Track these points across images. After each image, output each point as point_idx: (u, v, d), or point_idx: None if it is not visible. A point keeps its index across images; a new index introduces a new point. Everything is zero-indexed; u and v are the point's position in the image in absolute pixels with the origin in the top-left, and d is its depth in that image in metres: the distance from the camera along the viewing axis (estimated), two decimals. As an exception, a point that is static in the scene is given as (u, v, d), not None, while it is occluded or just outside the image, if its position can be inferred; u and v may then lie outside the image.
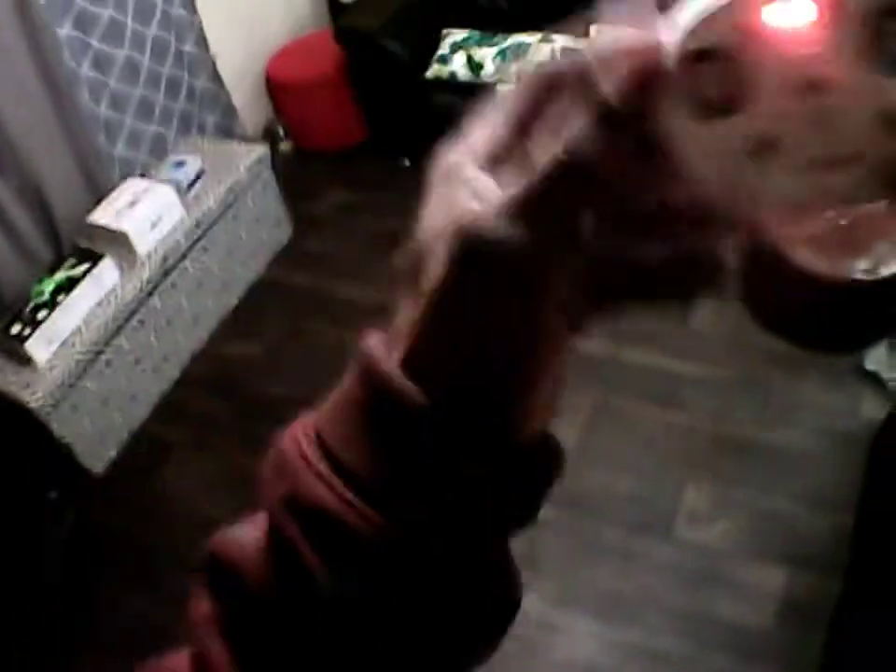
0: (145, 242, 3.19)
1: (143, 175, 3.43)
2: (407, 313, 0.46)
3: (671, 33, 0.37)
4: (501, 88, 3.76)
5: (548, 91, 0.43)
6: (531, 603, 2.59)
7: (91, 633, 2.75)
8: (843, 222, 2.94)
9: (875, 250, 2.90)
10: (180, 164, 3.44)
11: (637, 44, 0.37)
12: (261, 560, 0.48)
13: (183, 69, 3.70)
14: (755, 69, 0.37)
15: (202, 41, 3.76)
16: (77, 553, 2.90)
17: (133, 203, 3.20)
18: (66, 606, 2.81)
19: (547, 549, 2.70)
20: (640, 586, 2.60)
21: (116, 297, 3.09)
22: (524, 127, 0.44)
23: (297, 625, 0.47)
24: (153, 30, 3.50)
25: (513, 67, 3.73)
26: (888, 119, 0.37)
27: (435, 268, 0.43)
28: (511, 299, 0.43)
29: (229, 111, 4.02)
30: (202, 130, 3.90)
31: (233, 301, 3.70)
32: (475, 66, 3.78)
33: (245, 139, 3.98)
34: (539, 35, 3.79)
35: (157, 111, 3.62)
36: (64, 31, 3.15)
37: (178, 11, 3.61)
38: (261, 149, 3.70)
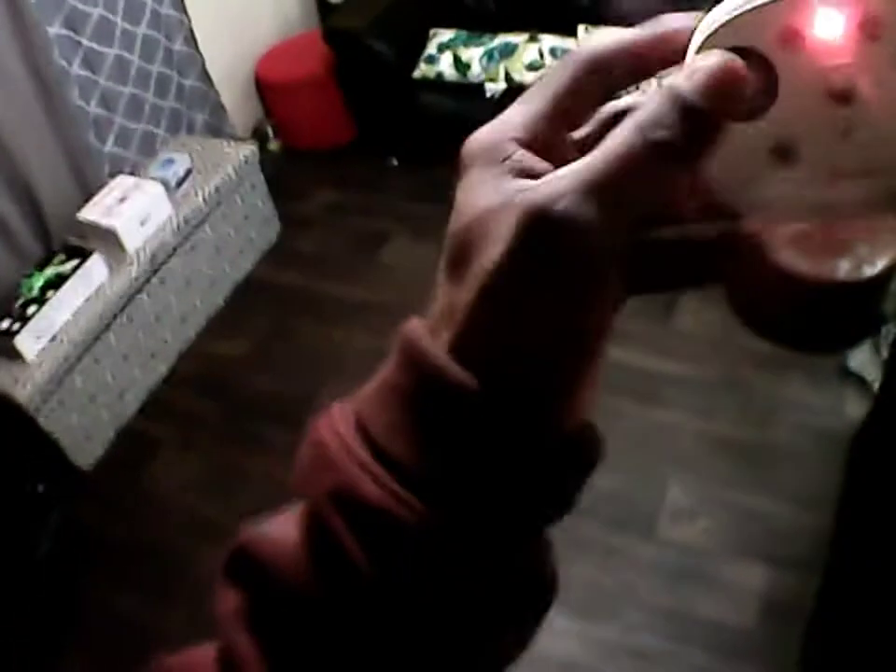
0: (133, 239, 3.21)
1: (132, 173, 3.44)
2: (452, 298, 0.44)
3: (706, 27, 0.39)
4: (489, 86, 3.79)
5: (589, 73, 0.44)
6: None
7: (78, 630, 2.75)
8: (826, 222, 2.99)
9: (858, 250, 2.94)
10: (169, 162, 3.46)
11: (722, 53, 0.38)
12: (300, 555, 0.46)
13: (172, 68, 3.71)
14: (786, 74, 0.38)
15: (191, 40, 3.78)
16: (65, 550, 2.91)
17: (122, 201, 3.22)
18: (53, 603, 2.81)
19: (528, 545, 2.74)
20: (621, 583, 2.62)
21: (104, 293, 3.10)
22: (564, 107, 0.44)
23: (338, 619, 0.45)
24: (143, 29, 3.52)
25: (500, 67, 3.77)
26: None
27: (491, 249, 0.41)
28: (573, 283, 0.41)
29: (218, 110, 4.04)
30: (191, 129, 3.92)
31: (221, 300, 3.72)
32: (462, 66, 3.81)
33: (234, 138, 4.00)
34: (526, 35, 3.83)
35: (146, 110, 3.64)
36: (54, 29, 3.16)
37: (168, 11, 3.62)
38: (250, 148, 3.72)
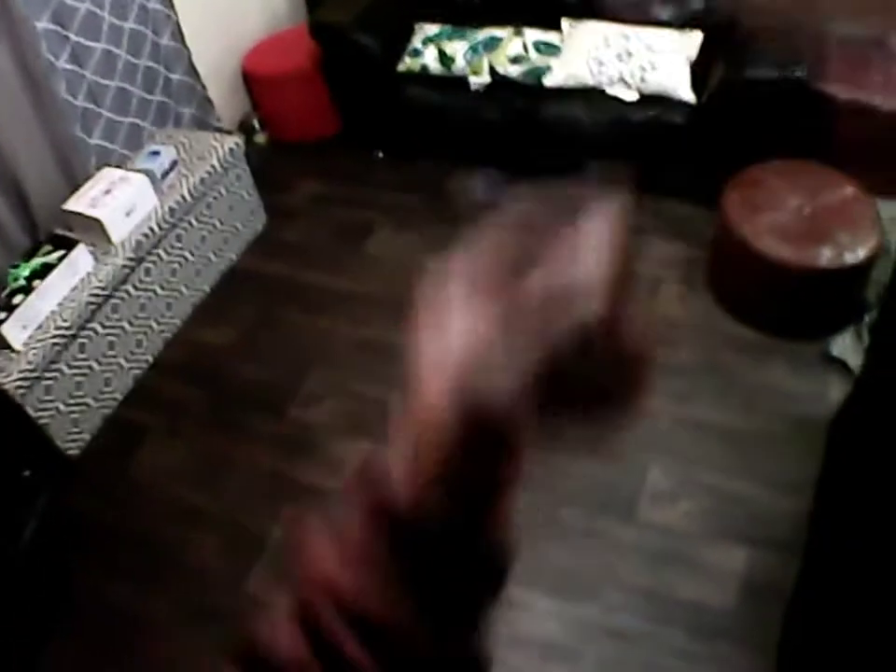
0: (119, 229, 3.25)
1: (118, 166, 3.47)
2: (406, 449, 0.58)
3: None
4: (473, 80, 3.83)
5: (519, 234, 0.57)
6: (492, 580, 2.65)
7: (66, 615, 2.78)
8: (808, 211, 3.02)
9: (840, 239, 2.98)
10: (155, 154, 3.50)
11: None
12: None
13: (160, 62, 3.76)
14: None
15: (178, 35, 3.82)
16: (52, 536, 2.92)
17: (107, 192, 3.26)
18: (41, 589, 2.84)
19: (511, 529, 2.76)
20: (601, 565, 2.65)
21: (90, 283, 3.14)
22: (500, 266, 0.56)
23: None
24: (130, 24, 3.56)
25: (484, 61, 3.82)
26: None
27: (434, 416, 0.54)
28: (499, 447, 0.55)
29: (205, 104, 4.08)
30: (178, 122, 3.96)
31: (207, 289, 3.76)
32: (447, 60, 3.85)
33: (220, 131, 4.04)
34: (511, 29, 3.87)
35: (133, 103, 3.68)
36: (42, 24, 3.20)
37: (155, 5, 3.67)
38: (235, 140, 3.76)
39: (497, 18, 3.95)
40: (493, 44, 3.82)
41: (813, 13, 3.57)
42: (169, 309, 3.54)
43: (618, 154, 3.70)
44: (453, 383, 0.53)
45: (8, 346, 2.94)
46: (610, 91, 3.63)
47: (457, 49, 3.86)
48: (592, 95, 3.66)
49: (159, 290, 3.46)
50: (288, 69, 4.22)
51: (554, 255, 0.56)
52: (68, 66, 3.34)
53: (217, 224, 3.73)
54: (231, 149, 3.69)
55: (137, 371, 3.44)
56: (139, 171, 3.39)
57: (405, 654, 0.57)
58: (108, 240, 3.23)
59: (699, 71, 3.58)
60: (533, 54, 3.76)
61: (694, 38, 3.64)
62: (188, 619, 2.71)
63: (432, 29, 3.98)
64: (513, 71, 3.77)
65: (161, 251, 3.42)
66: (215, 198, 3.66)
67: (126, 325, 3.32)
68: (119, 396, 3.37)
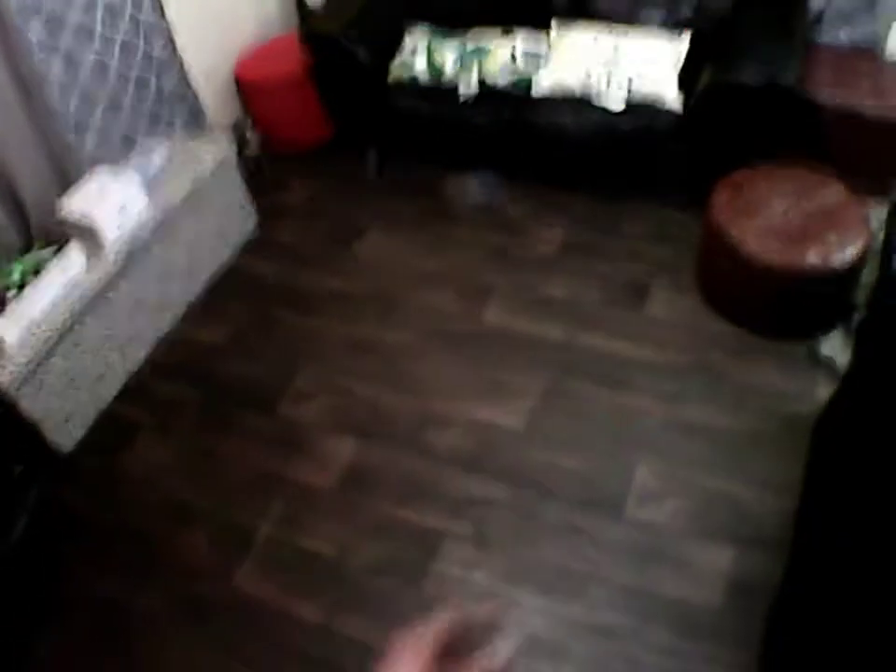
0: (111, 229, 3.28)
1: (110, 168, 3.50)
2: None
3: None
4: (462, 90, 3.88)
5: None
6: (478, 577, 2.68)
7: (56, 609, 2.80)
8: (796, 214, 3.05)
9: (828, 240, 3.01)
10: (147, 157, 3.54)
11: None
12: None
13: (151, 72, 3.81)
14: None
15: (170, 44, 3.87)
16: (44, 531, 2.96)
17: (100, 193, 3.29)
18: (32, 583, 2.86)
19: (496, 526, 2.79)
20: (588, 563, 2.67)
21: (82, 281, 3.17)
22: None
23: None
24: (121, 34, 3.62)
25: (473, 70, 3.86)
26: None
27: None
28: None
29: (196, 111, 4.13)
30: (169, 129, 4.01)
31: (200, 289, 3.79)
32: (436, 70, 3.89)
33: (211, 137, 4.04)
34: (499, 32, 3.91)
35: (125, 111, 3.73)
36: (35, 34, 3.25)
37: (147, 17, 3.72)
38: (226, 145, 3.81)
39: (487, 19, 4.00)
40: (481, 54, 3.86)
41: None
42: (161, 308, 3.58)
43: (606, 160, 3.74)
44: None
45: (2, 343, 2.95)
46: (597, 102, 3.65)
47: (446, 59, 3.89)
48: (579, 104, 3.68)
49: (151, 289, 3.49)
50: (280, 76, 4.26)
51: None
52: (61, 76, 3.40)
53: (209, 226, 3.77)
54: (222, 153, 3.73)
55: (130, 369, 3.48)
56: (131, 173, 3.43)
57: None
58: (100, 240, 3.26)
59: (687, 76, 3.61)
60: (521, 64, 3.80)
61: (682, 44, 3.67)
62: (178, 613, 2.73)
63: (422, 37, 4.01)
64: (502, 80, 3.81)
65: (152, 251, 3.46)
66: (206, 201, 3.71)
67: (118, 322, 3.35)
68: (110, 393, 3.40)
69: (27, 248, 3.19)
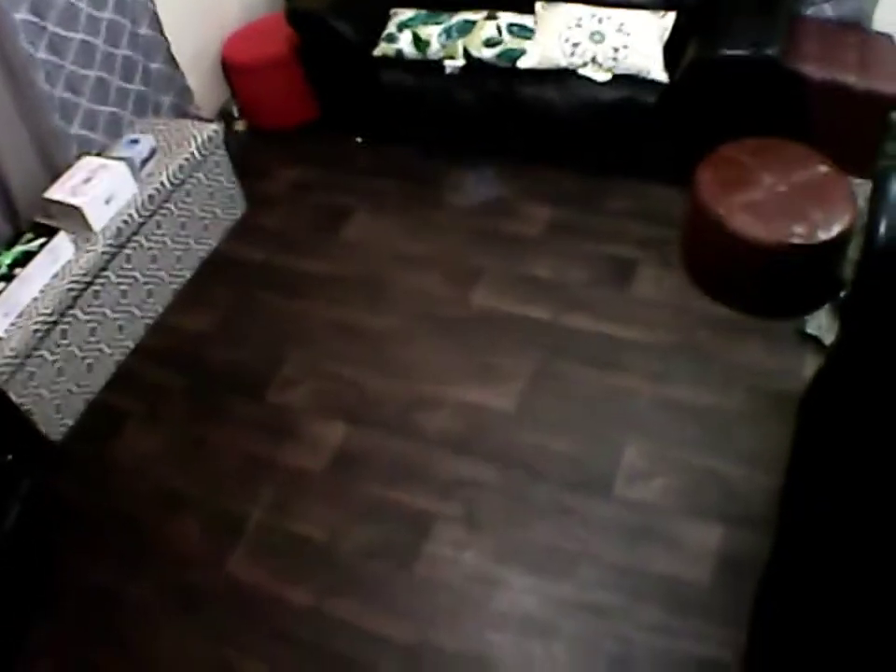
0: (99, 217, 3.28)
1: (98, 154, 3.50)
2: None
3: None
4: (448, 63, 3.86)
5: None
6: (469, 558, 2.70)
7: (48, 597, 2.82)
8: (782, 189, 3.05)
9: (813, 216, 3.01)
10: (134, 142, 3.53)
11: None
12: None
13: (138, 52, 3.77)
14: None
15: (156, 24, 3.83)
16: (35, 519, 2.95)
17: (87, 180, 3.29)
18: (23, 571, 2.87)
19: (486, 506, 2.81)
20: (578, 542, 2.69)
21: (71, 270, 3.17)
22: None
23: None
24: (108, 14, 3.58)
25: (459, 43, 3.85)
26: None
27: None
28: None
29: (184, 92, 4.10)
30: (157, 110, 3.98)
31: (188, 275, 3.79)
32: (421, 44, 3.88)
33: (200, 119, 4.05)
34: (484, 13, 3.89)
35: (112, 93, 3.70)
36: (20, 15, 3.22)
37: (132, -5, 3.70)
38: (214, 128, 3.78)
39: (472, 2, 3.97)
40: (467, 27, 3.85)
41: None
42: (150, 295, 3.58)
43: (592, 134, 3.74)
44: None
45: (-9, 334, 2.97)
46: (583, 71, 3.66)
47: (432, 32, 3.88)
48: (565, 77, 3.69)
49: (139, 277, 3.49)
50: (267, 56, 4.25)
51: None
52: (47, 57, 3.36)
53: (197, 211, 3.76)
54: (210, 137, 3.72)
55: (119, 357, 3.48)
56: (119, 159, 3.42)
57: None
58: (89, 228, 3.26)
59: (672, 51, 3.61)
60: (507, 37, 3.78)
61: (667, 19, 3.66)
62: (170, 600, 2.75)
63: (407, 14, 4.00)
64: (487, 54, 3.80)
65: (141, 238, 3.45)
66: (194, 185, 3.69)
67: (107, 311, 3.36)
68: (100, 381, 3.41)
69: (16, 238, 3.18)
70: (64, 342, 3.18)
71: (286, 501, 2.92)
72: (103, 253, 3.25)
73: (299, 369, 3.34)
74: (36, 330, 3.03)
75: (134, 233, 3.41)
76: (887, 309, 2.42)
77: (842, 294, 3.15)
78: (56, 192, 3.27)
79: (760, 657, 2.26)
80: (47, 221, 3.26)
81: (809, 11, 3.86)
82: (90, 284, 3.24)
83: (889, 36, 3.71)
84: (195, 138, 3.67)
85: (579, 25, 3.66)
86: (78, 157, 3.46)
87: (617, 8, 3.70)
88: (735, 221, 3.04)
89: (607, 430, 2.97)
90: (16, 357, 2.96)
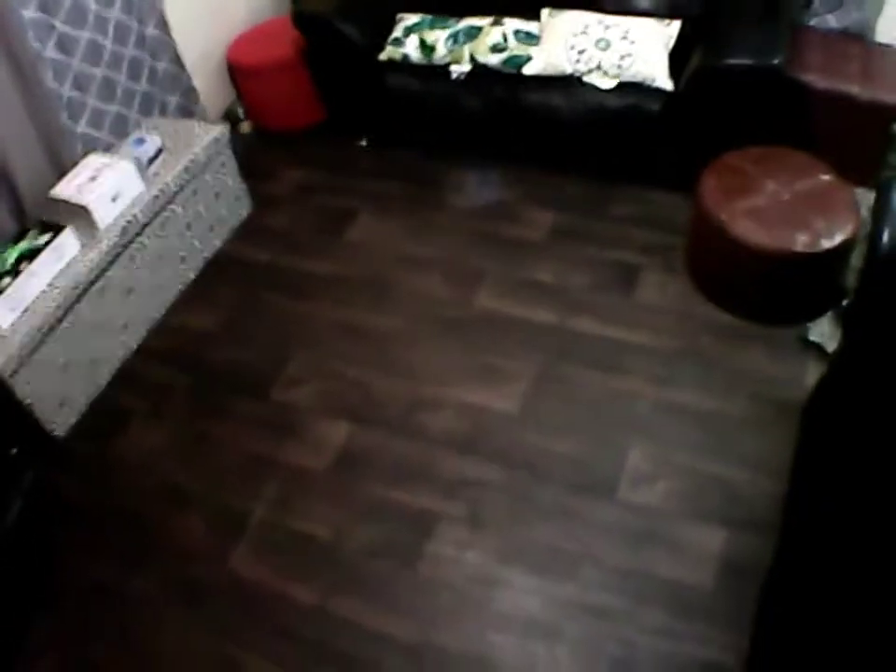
0: (105, 215, 3.29)
1: (104, 153, 3.51)
2: None
3: None
4: (454, 68, 3.88)
5: None
6: (472, 558, 2.71)
7: (51, 593, 2.82)
8: (785, 198, 3.07)
9: (816, 224, 3.03)
10: (141, 142, 3.54)
11: None
12: None
13: (145, 52, 3.79)
14: None
15: (163, 25, 3.85)
16: (38, 515, 2.95)
17: (93, 178, 3.29)
18: (23, 566, 2.87)
19: (490, 508, 2.82)
20: (581, 544, 2.70)
21: (76, 267, 3.18)
22: None
23: None
24: (116, 13, 3.59)
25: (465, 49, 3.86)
26: None
27: None
28: None
29: (190, 93, 4.11)
30: (163, 111, 3.99)
31: (192, 274, 3.80)
32: (427, 49, 3.90)
33: (205, 120, 4.07)
34: (490, 19, 3.91)
35: (119, 92, 3.71)
36: (29, 13, 3.23)
37: (140, -6, 3.71)
38: (220, 128, 3.80)
39: (478, 8, 4.00)
40: (473, 33, 3.87)
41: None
42: (154, 294, 3.58)
43: (596, 140, 3.76)
44: None
45: (-4, 329, 2.98)
46: (588, 79, 3.68)
47: (438, 37, 3.90)
48: (570, 83, 3.71)
49: (144, 275, 3.49)
50: (272, 59, 4.26)
51: None
52: (55, 55, 3.38)
53: (203, 211, 3.77)
54: (216, 138, 3.73)
55: (122, 355, 3.48)
56: (125, 157, 3.43)
57: None
58: (94, 226, 3.27)
59: (677, 59, 3.63)
60: (513, 43, 3.80)
61: (673, 27, 3.69)
62: (173, 596, 2.75)
63: (413, 19, 4.02)
64: (493, 59, 3.81)
65: (146, 237, 3.46)
66: (200, 185, 3.71)
67: (112, 308, 3.36)
68: (104, 379, 3.41)
69: (22, 235, 3.18)
70: (69, 338, 3.18)
71: (289, 499, 2.93)
72: (108, 251, 3.26)
73: (303, 368, 3.35)
74: (41, 326, 3.03)
75: (139, 232, 3.41)
76: (889, 317, 2.43)
77: (844, 302, 3.17)
78: (62, 190, 3.28)
79: (762, 662, 2.27)
80: (52, 219, 3.26)
81: (813, 21, 3.89)
82: (94, 281, 3.24)
83: (891, 48, 3.74)
84: (202, 138, 3.69)
85: (584, 32, 3.67)
86: (84, 155, 3.46)
87: (623, 16, 3.72)
88: (738, 228, 3.06)
89: (610, 433, 2.98)
90: (20, 352, 2.96)
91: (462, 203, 4.03)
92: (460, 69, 3.88)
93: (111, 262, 3.30)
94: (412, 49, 3.93)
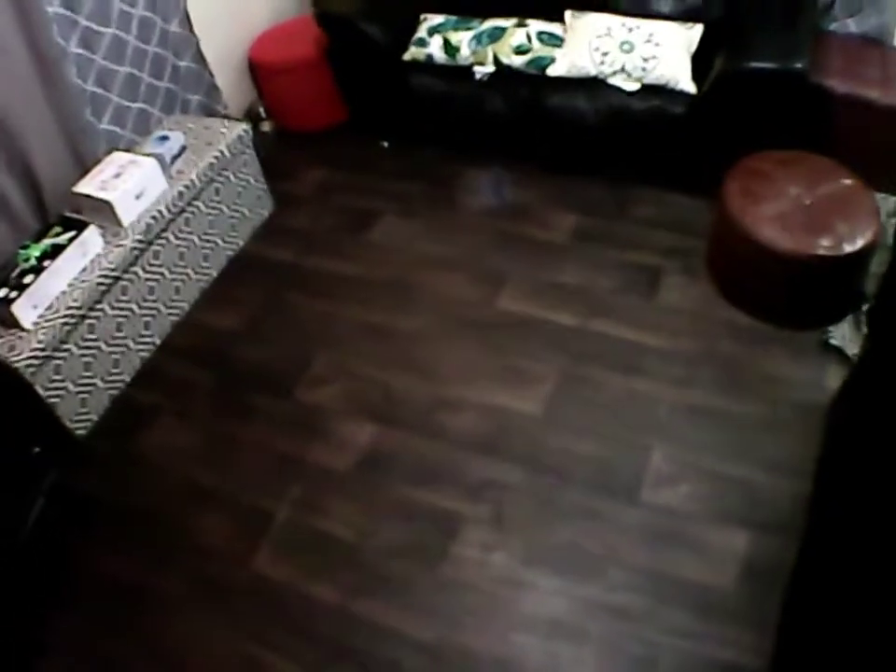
0: (128, 212, 3.29)
1: (127, 150, 3.51)
2: None
3: None
4: (478, 69, 3.89)
5: None
6: (497, 560, 2.71)
7: (72, 592, 2.81)
8: (807, 202, 3.07)
9: (839, 229, 3.04)
10: (164, 139, 3.54)
11: None
12: None
13: (168, 49, 3.80)
14: None
15: (186, 22, 3.86)
16: (60, 514, 2.97)
17: (117, 175, 3.30)
18: (44, 565, 2.87)
19: (514, 509, 2.82)
20: (605, 545, 2.70)
21: (100, 264, 3.18)
22: None
23: None
24: (139, 10, 3.60)
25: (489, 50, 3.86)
26: None
27: None
28: None
29: (212, 91, 4.13)
30: (185, 108, 4.00)
31: (215, 273, 3.81)
32: (452, 49, 3.91)
33: (227, 118, 4.07)
34: (514, 20, 3.92)
35: (142, 89, 3.72)
36: (53, 8, 3.23)
37: (163, -10, 3.72)
38: (243, 127, 3.80)
39: (501, 9, 4.00)
40: (497, 34, 3.87)
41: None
42: (177, 292, 3.59)
43: (619, 143, 3.77)
44: None
45: (19, 326, 2.97)
46: (612, 81, 3.69)
47: (462, 38, 3.91)
48: (594, 85, 3.72)
49: (167, 273, 3.50)
50: (294, 58, 4.27)
51: None
52: (79, 51, 3.38)
53: (225, 209, 3.78)
54: (239, 136, 3.74)
55: (145, 353, 3.49)
56: (149, 155, 3.43)
57: None
58: (118, 223, 3.28)
59: (700, 62, 3.63)
60: (536, 44, 3.81)
61: (695, 31, 3.69)
62: (196, 595, 2.75)
63: (437, 19, 4.03)
64: (517, 61, 3.83)
65: (169, 235, 3.46)
66: (223, 183, 3.71)
67: (134, 307, 3.37)
68: (126, 377, 3.41)
69: (44, 231, 3.18)
70: (91, 336, 3.19)
71: (312, 499, 2.93)
72: (132, 248, 3.27)
73: (326, 368, 3.35)
74: (64, 324, 3.03)
75: (163, 230, 3.42)
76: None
77: (864, 306, 3.18)
78: (86, 186, 3.29)
79: (788, 663, 2.27)
80: (75, 215, 3.26)
81: (832, 26, 3.90)
82: (118, 279, 3.24)
83: (912, 54, 3.75)
84: (224, 137, 3.70)
85: (608, 35, 3.68)
86: (108, 152, 3.47)
87: (646, 19, 3.73)
88: (762, 232, 3.07)
89: (632, 435, 2.99)
90: (43, 349, 2.96)
91: (485, 204, 4.04)
92: (484, 70, 3.89)
93: (134, 260, 3.31)
94: (436, 49, 3.94)
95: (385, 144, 4.37)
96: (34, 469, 2.91)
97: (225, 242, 3.83)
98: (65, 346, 3.08)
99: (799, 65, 3.30)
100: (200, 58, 3.99)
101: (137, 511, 3.01)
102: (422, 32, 4.01)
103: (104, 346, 3.25)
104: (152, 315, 3.47)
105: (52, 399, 3.07)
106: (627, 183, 3.93)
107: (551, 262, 3.64)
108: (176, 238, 3.51)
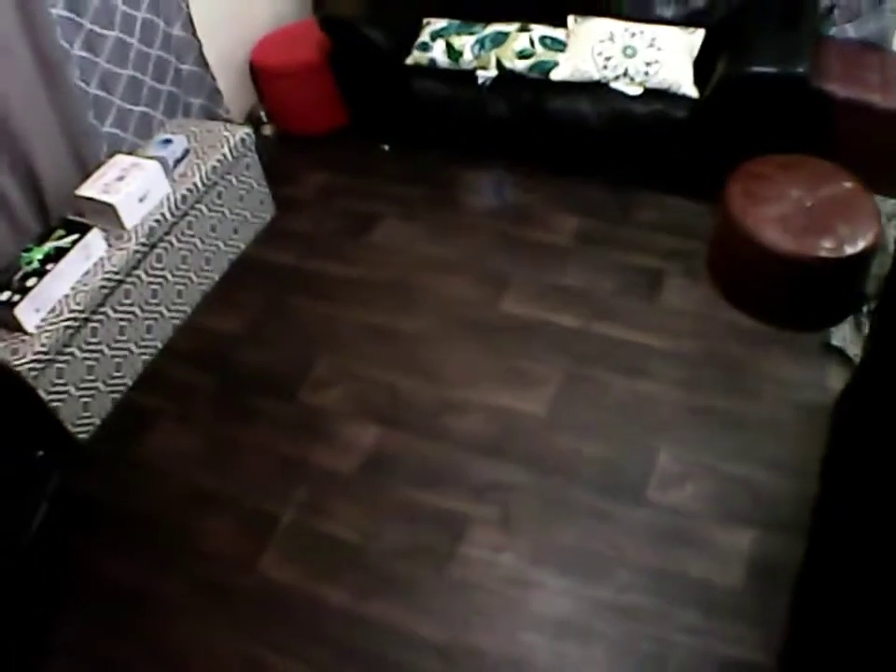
0: (132, 215, 3.29)
1: (130, 153, 3.51)
2: None
3: None
4: (481, 73, 3.90)
5: None
6: (504, 560, 2.71)
7: (75, 596, 2.80)
8: (808, 204, 3.09)
9: (840, 231, 3.05)
10: (167, 142, 3.54)
11: None
12: None
13: (171, 52, 3.80)
14: None
15: (189, 26, 3.86)
16: (62, 517, 2.95)
17: (121, 178, 3.29)
18: (46, 569, 2.86)
19: (521, 510, 2.82)
20: (612, 545, 2.71)
21: (103, 267, 3.17)
22: None
23: None
24: (142, 13, 3.60)
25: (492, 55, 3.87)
26: None
27: None
28: None
29: (214, 95, 4.12)
30: (187, 112, 4.00)
31: (217, 276, 3.80)
32: (454, 54, 3.91)
33: (229, 122, 4.08)
34: (517, 25, 3.93)
35: (144, 92, 3.72)
36: (57, 10, 3.23)
37: (166, -7, 3.72)
38: (246, 131, 3.80)
39: (504, 14, 4.01)
40: (500, 39, 3.88)
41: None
42: (179, 295, 3.58)
43: (622, 146, 3.78)
44: None
45: (22, 329, 2.96)
46: (615, 85, 3.70)
47: (465, 43, 3.92)
48: (596, 89, 3.73)
49: (169, 277, 3.49)
50: (296, 62, 4.27)
51: None
52: (82, 53, 3.38)
53: (227, 213, 3.77)
54: (241, 139, 3.74)
55: (147, 357, 3.48)
56: (152, 158, 3.43)
57: None
58: (121, 226, 3.27)
59: (701, 66, 3.65)
60: (539, 49, 3.83)
61: (697, 35, 3.71)
62: (201, 598, 2.74)
63: (440, 24, 4.04)
64: (520, 65, 3.84)
65: (172, 238, 3.46)
66: (225, 187, 3.71)
67: (137, 310, 3.36)
68: (129, 380, 3.40)
69: (47, 234, 3.17)
70: (94, 339, 3.17)
71: (317, 502, 2.92)
72: (135, 252, 3.26)
73: (329, 371, 3.35)
74: (67, 327, 3.02)
75: (166, 233, 3.41)
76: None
77: (865, 308, 3.19)
78: (89, 189, 3.28)
79: (797, 660, 2.28)
80: (77, 218, 3.26)
81: (832, 32, 3.92)
82: (121, 282, 3.23)
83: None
84: (227, 140, 3.69)
85: (611, 39, 3.70)
86: (110, 155, 3.46)
87: (649, 24, 3.74)
88: (764, 234, 3.08)
89: (637, 436, 3.00)
90: (46, 353, 2.95)
91: (487, 207, 4.05)
92: (487, 74, 3.90)
93: (137, 263, 3.30)
94: (438, 53, 3.95)
95: (387, 147, 4.37)
96: (36, 472, 2.90)
97: (227, 245, 3.82)
98: (68, 350, 3.06)
99: (800, 70, 3.32)
100: (202, 61, 3.99)
101: (140, 514, 3.00)
102: (425, 36, 4.01)
103: (106, 350, 3.24)
104: (154, 319, 3.46)
105: (55, 403, 3.06)
106: (630, 186, 3.95)
107: (553, 265, 3.65)
108: (179, 241, 3.50)
